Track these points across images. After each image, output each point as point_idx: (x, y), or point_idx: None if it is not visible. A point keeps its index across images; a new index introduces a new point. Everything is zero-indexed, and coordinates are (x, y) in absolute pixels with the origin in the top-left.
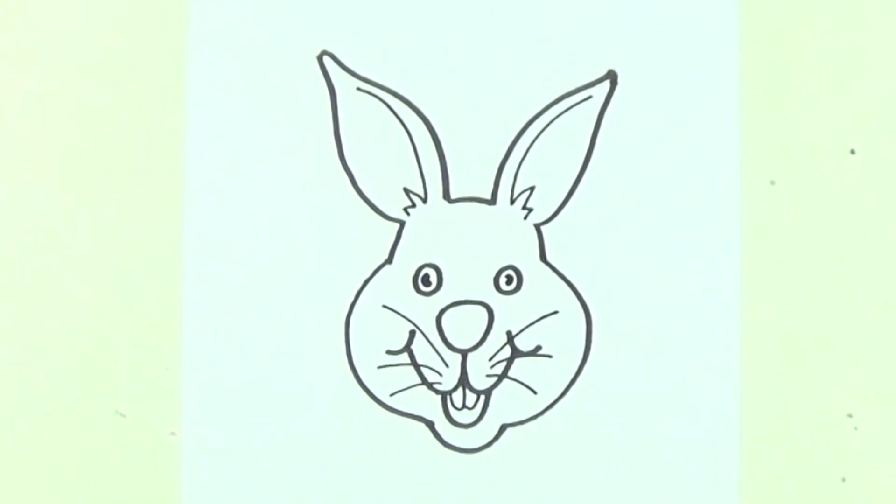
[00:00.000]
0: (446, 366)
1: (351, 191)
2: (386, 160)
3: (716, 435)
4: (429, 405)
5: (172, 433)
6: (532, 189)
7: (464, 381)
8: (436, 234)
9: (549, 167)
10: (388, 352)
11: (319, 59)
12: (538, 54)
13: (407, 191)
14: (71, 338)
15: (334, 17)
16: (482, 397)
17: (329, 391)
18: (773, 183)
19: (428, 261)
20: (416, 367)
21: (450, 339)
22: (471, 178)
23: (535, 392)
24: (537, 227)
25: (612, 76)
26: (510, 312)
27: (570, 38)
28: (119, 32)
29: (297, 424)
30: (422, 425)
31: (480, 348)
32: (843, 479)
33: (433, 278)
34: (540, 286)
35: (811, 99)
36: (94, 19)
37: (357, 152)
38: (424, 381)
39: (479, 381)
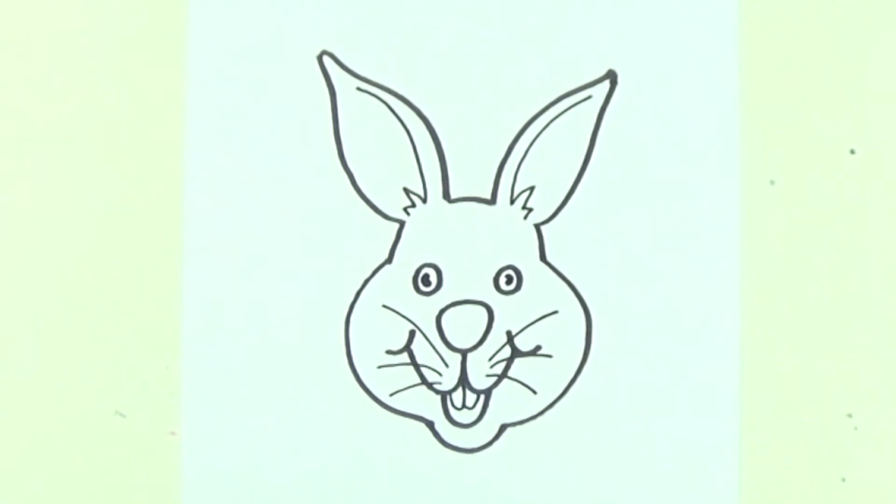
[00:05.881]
0: (446, 366)
1: (351, 191)
2: (386, 160)
3: (716, 435)
4: (429, 405)
5: (172, 433)
6: (532, 189)
7: (464, 381)
8: (436, 234)
9: (549, 167)
10: (388, 352)
11: (319, 59)
12: (538, 54)
13: (407, 191)
14: (71, 338)
15: (334, 17)
16: (482, 397)
17: (329, 391)
18: (773, 183)
19: (428, 261)
20: (416, 367)
21: (450, 339)
22: (471, 178)
23: (535, 392)
24: (537, 227)
25: (612, 76)
26: (510, 312)
27: (570, 38)
28: (119, 32)
29: (297, 424)
30: (422, 425)
31: (480, 348)
32: (843, 479)
33: (433, 278)
34: (540, 286)
35: (811, 99)
36: (95, 19)
37: (357, 152)
38: (424, 381)
39: (478, 380)
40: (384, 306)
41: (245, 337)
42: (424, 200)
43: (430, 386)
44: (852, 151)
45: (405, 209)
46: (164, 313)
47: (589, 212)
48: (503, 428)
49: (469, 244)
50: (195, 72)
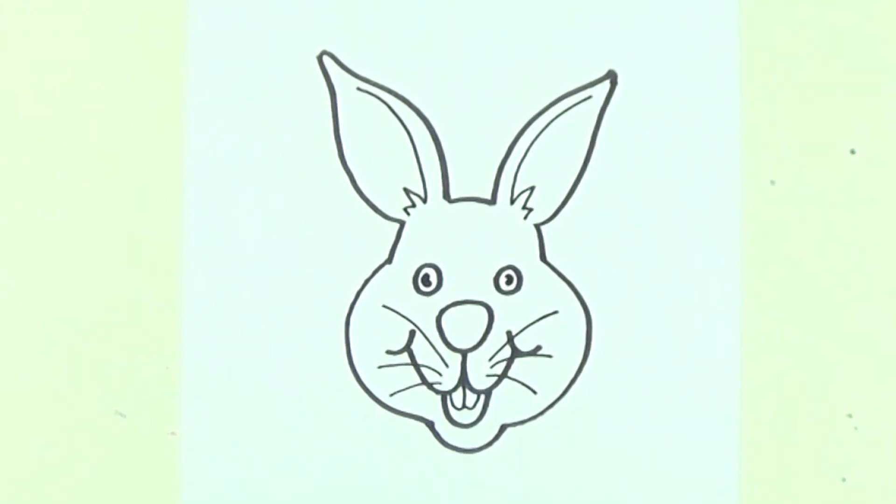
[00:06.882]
0: (446, 366)
1: (351, 191)
2: (386, 160)
3: (716, 435)
4: (429, 405)
5: (172, 433)
6: (532, 189)
7: (464, 381)
8: (436, 234)
9: (549, 167)
10: (388, 352)
11: (319, 59)
12: (538, 54)
13: (407, 191)
14: (71, 338)
15: (334, 17)
16: (482, 397)
17: (329, 391)
18: (773, 183)
19: (428, 261)
20: (416, 367)
21: (450, 339)
22: (471, 178)
23: (535, 392)
24: (537, 227)
25: (612, 76)
26: (510, 312)
27: (570, 38)
28: (119, 32)
29: (297, 424)
30: (422, 425)
31: (480, 348)
32: (843, 479)
33: (433, 278)
34: (540, 286)
35: (811, 99)
36: (95, 19)
37: (357, 152)
38: (424, 381)
39: (479, 381)
40: (384, 306)
41: (245, 337)
42: (424, 200)
43: (430, 386)
44: (852, 151)
45: (405, 209)
46: (164, 313)
47: (589, 212)
48: (503, 428)
49: (469, 244)
50: (195, 72)
